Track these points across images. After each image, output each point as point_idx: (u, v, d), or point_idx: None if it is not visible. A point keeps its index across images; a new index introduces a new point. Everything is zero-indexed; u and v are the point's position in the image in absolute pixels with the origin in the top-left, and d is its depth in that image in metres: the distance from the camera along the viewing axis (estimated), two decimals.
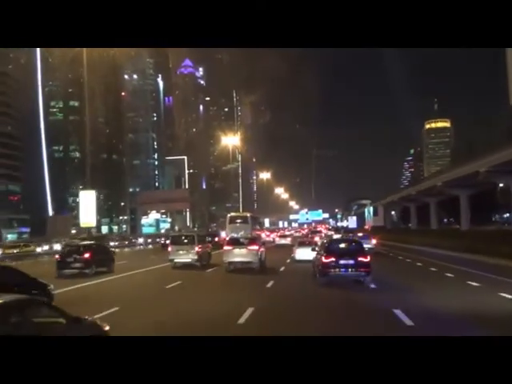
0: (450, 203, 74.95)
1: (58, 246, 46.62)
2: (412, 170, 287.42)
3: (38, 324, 6.03)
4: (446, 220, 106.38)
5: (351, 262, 17.46)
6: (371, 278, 17.66)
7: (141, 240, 70.77)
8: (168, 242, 35.24)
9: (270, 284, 19.17)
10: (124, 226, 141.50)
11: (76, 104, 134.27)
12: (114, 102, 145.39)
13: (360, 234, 44.65)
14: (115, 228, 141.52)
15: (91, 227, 52.48)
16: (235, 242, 25.99)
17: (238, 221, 45.88)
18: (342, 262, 17.47)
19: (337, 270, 17.47)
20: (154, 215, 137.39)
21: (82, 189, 51.25)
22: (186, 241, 28.44)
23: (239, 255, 24.79)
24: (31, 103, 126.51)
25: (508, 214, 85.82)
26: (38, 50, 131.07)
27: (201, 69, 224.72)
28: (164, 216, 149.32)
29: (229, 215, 51.82)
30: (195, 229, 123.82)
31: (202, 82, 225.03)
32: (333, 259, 17.49)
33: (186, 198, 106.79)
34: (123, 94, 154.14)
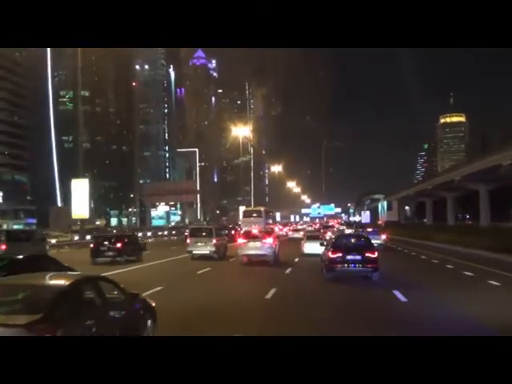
0: (465, 199, 73.50)
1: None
2: (426, 164, 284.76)
3: (106, 298, 6.98)
4: (460, 216, 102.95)
5: (358, 257, 17.19)
6: (379, 274, 17.21)
7: (149, 233, 68.47)
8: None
9: (288, 271, 21.55)
10: (133, 219, 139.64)
11: (86, 94, 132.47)
12: (125, 93, 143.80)
13: (369, 230, 43.90)
14: (124, 220, 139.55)
15: (84, 219, 49.71)
16: (250, 236, 26.31)
17: (254, 215, 47.93)
18: (349, 257, 17.23)
19: (344, 265, 17.24)
20: (163, 207, 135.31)
21: (81, 177, 48.55)
22: (204, 233, 29.11)
23: (254, 248, 25.07)
24: (41, 92, 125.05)
25: None
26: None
27: (213, 61, 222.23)
28: (173, 208, 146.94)
29: (243, 209, 55.30)
30: (204, 222, 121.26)
31: (214, 73, 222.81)
32: (340, 254, 17.28)
33: (195, 189, 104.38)
34: (134, 84, 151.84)
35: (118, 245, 26.00)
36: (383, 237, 38.69)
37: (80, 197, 49.39)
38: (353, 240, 19.56)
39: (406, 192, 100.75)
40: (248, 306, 12.49)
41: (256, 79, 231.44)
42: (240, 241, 26.62)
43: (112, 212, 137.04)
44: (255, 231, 28.58)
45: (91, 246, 27.74)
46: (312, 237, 32.21)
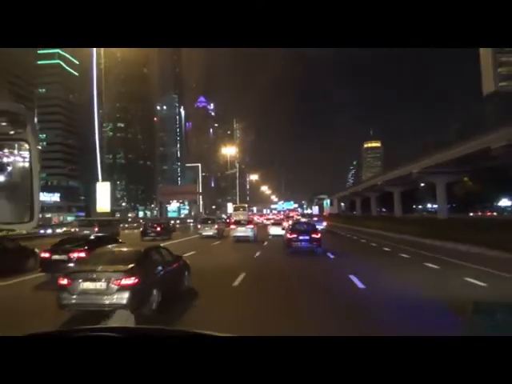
0: (384, 197, 73.15)
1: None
2: (355, 174, 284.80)
3: (164, 257, 8.10)
4: (379, 210, 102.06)
5: (307, 237, 17.17)
6: (322, 249, 17.26)
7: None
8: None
9: (265, 244, 22.78)
10: (155, 212, 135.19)
11: (122, 125, 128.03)
12: (148, 125, 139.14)
13: (315, 219, 45.29)
14: (148, 213, 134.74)
15: (106, 212, 46.12)
16: (238, 223, 26.81)
17: (240, 209, 49.98)
18: (300, 237, 17.22)
19: (297, 243, 17.16)
20: (175, 204, 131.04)
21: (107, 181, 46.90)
22: (209, 222, 30.23)
23: (241, 231, 25.33)
24: (89, 123, 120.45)
25: (430, 205, 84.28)
26: (95, 83, 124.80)
27: (212, 104, 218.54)
28: (182, 204, 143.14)
29: (233, 206, 57.55)
30: (204, 214, 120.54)
31: (212, 113, 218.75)
32: (295, 236, 17.33)
33: (195, 191, 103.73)
34: (155, 119, 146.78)
35: (158, 228, 27.86)
36: (325, 223, 38.80)
37: (103, 196, 46.04)
38: (304, 226, 19.37)
39: (343, 193, 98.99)
40: (243, 261, 14.62)
41: (240, 118, 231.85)
42: (232, 226, 27.15)
43: (140, 207, 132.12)
44: (242, 219, 29.64)
45: (141, 229, 30.26)
46: (274, 223, 32.44)
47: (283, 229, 24.60)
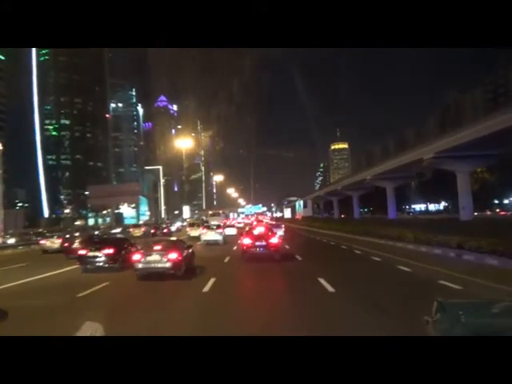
0: (345, 201, 71.82)
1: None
2: (322, 177, 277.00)
3: (185, 245, 13.26)
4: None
5: (264, 243, 15.26)
6: (279, 255, 15.09)
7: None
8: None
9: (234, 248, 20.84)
10: (108, 219, 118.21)
11: (67, 122, 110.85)
12: (100, 123, 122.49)
13: (273, 223, 47.08)
14: (100, 220, 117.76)
15: None
16: (208, 227, 28.29)
17: (216, 215, 54.78)
18: (257, 243, 15.33)
19: (253, 249, 15.25)
20: (129, 209, 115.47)
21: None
22: (195, 225, 35.87)
23: (210, 235, 26.12)
24: (27, 123, 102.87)
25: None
26: (35, 76, 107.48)
27: (175, 106, 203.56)
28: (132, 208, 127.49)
29: (210, 212, 62.89)
30: (167, 220, 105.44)
31: (175, 114, 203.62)
32: (250, 241, 15.46)
33: (137, 191, 73.74)
34: (108, 116, 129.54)
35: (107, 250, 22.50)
36: (283, 228, 35.19)
37: None
38: (261, 231, 16.84)
39: (318, 193, 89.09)
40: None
41: (204, 122, 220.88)
42: (203, 231, 27.88)
43: (91, 214, 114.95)
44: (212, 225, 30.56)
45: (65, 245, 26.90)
46: (228, 226, 36.69)
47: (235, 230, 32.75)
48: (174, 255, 11.09)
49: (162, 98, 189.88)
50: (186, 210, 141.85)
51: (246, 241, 15.39)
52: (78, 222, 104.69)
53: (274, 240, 15.36)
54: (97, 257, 13.00)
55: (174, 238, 17.47)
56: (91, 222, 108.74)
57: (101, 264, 12.94)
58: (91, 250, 13.28)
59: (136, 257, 11.18)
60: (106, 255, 12.99)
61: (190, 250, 13.08)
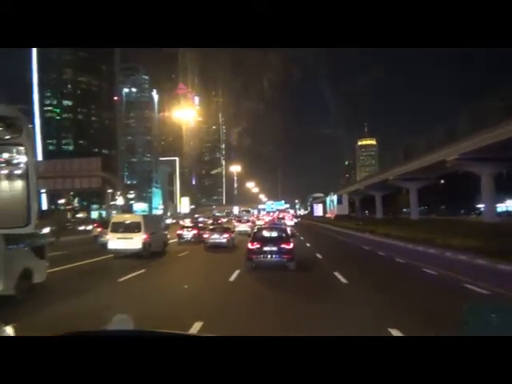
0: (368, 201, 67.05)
1: None
2: (347, 175, 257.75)
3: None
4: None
5: (275, 248, 12.24)
6: (294, 263, 12.07)
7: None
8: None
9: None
10: (114, 212, 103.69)
11: (70, 103, 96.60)
12: (108, 106, 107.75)
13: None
14: (104, 213, 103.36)
15: None
16: (240, 221, 34.94)
17: (247, 212, 71.46)
18: (266, 248, 12.26)
19: (261, 256, 12.21)
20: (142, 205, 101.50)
21: None
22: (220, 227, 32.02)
23: (242, 227, 31.52)
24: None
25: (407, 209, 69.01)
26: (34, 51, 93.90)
27: (196, 98, 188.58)
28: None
29: (243, 209, 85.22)
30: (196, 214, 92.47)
31: (196, 105, 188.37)
32: (257, 246, 12.43)
33: (96, 168, 51.28)
34: (116, 98, 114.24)
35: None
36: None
37: None
38: (271, 232, 13.90)
39: (354, 186, 70.55)
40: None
41: (227, 116, 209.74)
42: (237, 223, 35.32)
43: (95, 206, 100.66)
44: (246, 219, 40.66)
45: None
46: (240, 221, 39.15)
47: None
48: (227, 235, 20.79)
49: (181, 85, 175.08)
50: (185, 203, 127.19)
51: (253, 245, 12.74)
52: (80, 215, 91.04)
53: (288, 244, 12.56)
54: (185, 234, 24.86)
55: (225, 226, 26.52)
56: (95, 214, 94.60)
57: (188, 239, 24.32)
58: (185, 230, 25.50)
59: (205, 235, 21.40)
60: (193, 236, 24.54)
61: (233, 233, 23.22)
